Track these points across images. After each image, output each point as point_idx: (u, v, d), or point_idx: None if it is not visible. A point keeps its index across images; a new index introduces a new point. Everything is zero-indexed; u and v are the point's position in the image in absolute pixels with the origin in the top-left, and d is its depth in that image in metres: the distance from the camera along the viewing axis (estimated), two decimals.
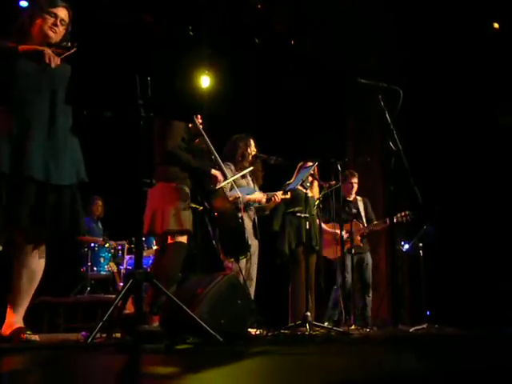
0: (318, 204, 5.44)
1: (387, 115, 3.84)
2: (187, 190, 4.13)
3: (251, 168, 4.87)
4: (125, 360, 2.33)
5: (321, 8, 7.61)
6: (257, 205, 4.98)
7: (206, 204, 4.27)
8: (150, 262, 5.82)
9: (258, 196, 4.97)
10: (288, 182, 5.41)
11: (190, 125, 4.21)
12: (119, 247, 6.75)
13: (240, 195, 4.62)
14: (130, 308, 3.12)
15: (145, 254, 5.89)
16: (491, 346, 3.26)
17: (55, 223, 3.03)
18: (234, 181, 4.64)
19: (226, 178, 4.51)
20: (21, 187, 2.93)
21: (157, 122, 4.16)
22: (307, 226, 4.89)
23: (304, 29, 7.88)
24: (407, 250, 6.31)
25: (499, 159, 7.30)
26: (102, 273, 6.61)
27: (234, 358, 2.38)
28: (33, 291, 3.17)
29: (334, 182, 5.22)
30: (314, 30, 7.90)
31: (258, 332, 4.06)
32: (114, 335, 3.05)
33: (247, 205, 4.86)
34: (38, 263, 3.16)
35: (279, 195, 5.09)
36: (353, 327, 5.31)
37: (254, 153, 4.98)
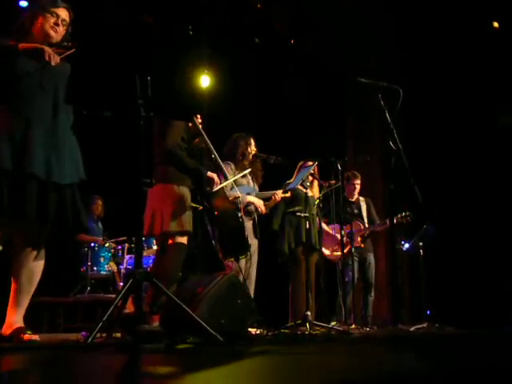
0: (318, 203, 5.44)
1: (387, 114, 3.84)
2: (187, 190, 4.12)
3: (249, 170, 4.87)
4: (125, 360, 2.33)
5: (321, 8, 7.61)
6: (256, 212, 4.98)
7: (205, 204, 4.27)
8: (150, 261, 5.82)
9: (258, 201, 4.96)
10: (288, 182, 5.41)
11: (190, 124, 4.21)
12: (119, 247, 6.75)
13: (240, 195, 4.62)
14: (130, 308, 3.12)
15: (145, 253, 5.89)
16: (491, 345, 3.26)
17: (59, 221, 3.03)
18: (234, 180, 4.64)
19: (225, 177, 4.51)
20: (23, 184, 2.94)
21: (156, 122, 4.16)
22: (307, 226, 4.89)
23: (304, 29, 7.88)
24: (407, 249, 6.32)
25: (499, 159, 7.30)
26: (102, 272, 6.60)
27: (234, 358, 2.38)
28: (32, 291, 3.18)
29: (333, 182, 5.23)
30: (314, 30, 7.90)
31: (258, 332, 4.06)
32: (114, 335, 3.05)
33: (246, 205, 4.86)
34: (36, 264, 3.16)
35: (279, 194, 5.09)
36: (353, 326, 5.31)
37: (254, 152, 4.98)
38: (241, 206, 4.60)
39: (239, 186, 4.78)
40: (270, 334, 4.05)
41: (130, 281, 2.87)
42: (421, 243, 5.98)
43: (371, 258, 6.35)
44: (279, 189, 5.18)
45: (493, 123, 7.50)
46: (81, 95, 3.18)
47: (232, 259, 4.51)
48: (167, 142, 4.05)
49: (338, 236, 5.58)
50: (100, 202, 7.09)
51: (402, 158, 3.76)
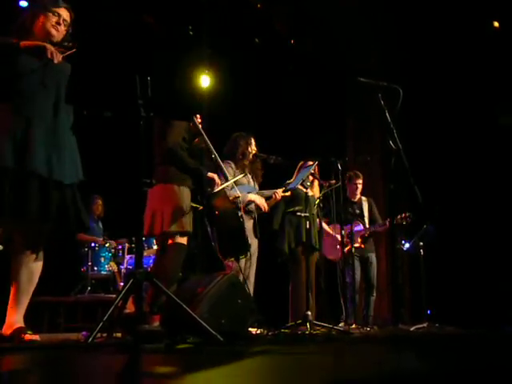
0: (319, 203, 5.44)
1: (387, 114, 3.84)
2: (188, 190, 4.12)
3: (244, 175, 4.85)
4: (125, 360, 2.33)
5: (321, 8, 7.61)
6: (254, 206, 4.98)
7: (205, 204, 4.27)
8: (151, 261, 5.82)
9: (259, 199, 4.97)
10: (288, 182, 5.41)
11: (190, 124, 4.21)
12: (119, 247, 6.75)
13: (240, 195, 4.62)
14: (130, 308, 3.12)
15: (145, 253, 5.89)
16: (491, 345, 3.26)
17: (60, 220, 3.04)
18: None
19: (226, 178, 4.51)
20: (24, 182, 2.94)
21: (157, 122, 4.16)
22: (307, 226, 4.89)
23: (304, 29, 7.88)
24: (407, 249, 6.32)
25: (499, 159, 7.30)
26: (102, 272, 6.61)
27: (235, 358, 2.38)
28: (32, 290, 3.18)
29: (334, 181, 5.23)
30: (314, 30, 7.90)
31: (258, 331, 4.06)
32: (114, 335, 3.05)
33: (249, 203, 4.87)
34: (36, 264, 3.16)
35: (279, 192, 5.09)
36: (353, 326, 5.31)
37: (254, 152, 4.98)
38: (241, 206, 4.60)
39: (240, 185, 4.79)
40: (270, 333, 4.05)
41: (131, 281, 2.87)
42: (421, 243, 5.99)
43: (373, 258, 6.34)
44: (279, 189, 5.19)
45: (493, 123, 7.50)
46: (81, 95, 3.19)
47: (232, 259, 4.51)
48: (168, 141, 4.05)
49: (339, 236, 5.59)
50: (100, 202, 7.09)
51: (402, 158, 3.76)
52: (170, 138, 4.06)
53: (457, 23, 7.17)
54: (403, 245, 6.39)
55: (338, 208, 5.30)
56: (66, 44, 3.16)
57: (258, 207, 5.01)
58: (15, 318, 3.09)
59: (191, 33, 6.81)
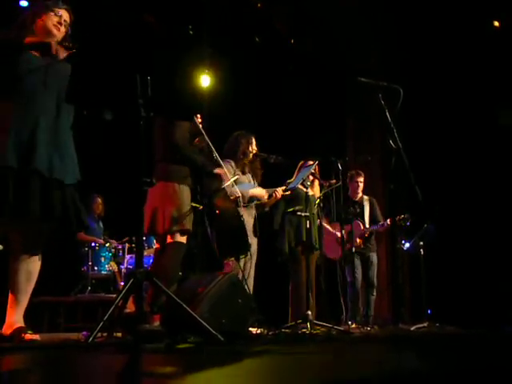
0: (319, 203, 5.44)
1: (387, 114, 3.83)
2: (188, 189, 4.13)
3: (236, 177, 4.84)
4: (125, 359, 2.33)
5: (321, 8, 7.61)
6: (257, 201, 4.98)
7: (205, 203, 4.27)
8: (151, 261, 5.82)
9: (261, 192, 4.98)
10: (289, 181, 5.40)
11: (191, 124, 4.22)
12: (119, 246, 6.75)
13: (240, 194, 4.63)
14: (130, 307, 3.12)
15: (145, 253, 5.89)
16: (492, 345, 3.26)
17: (62, 219, 3.04)
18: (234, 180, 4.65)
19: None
20: (27, 181, 2.95)
21: (158, 121, 4.18)
22: (307, 225, 4.89)
23: (304, 29, 7.88)
24: (408, 248, 6.32)
25: (499, 159, 7.30)
26: (102, 272, 6.61)
27: (235, 358, 2.38)
28: (31, 290, 3.18)
29: (334, 181, 5.22)
30: (314, 30, 7.90)
31: (258, 331, 4.06)
32: (114, 335, 3.05)
33: (250, 200, 4.87)
34: (34, 264, 3.17)
35: (280, 191, 5.09)
36: (353, 326, 5.32)
37: (254, 151, 4.98)
38: (241, 205, 4.61)
39: (241, 183, 4.79)
40: (270, 333, 4.05)
41: (131, 280, 2.87)
42: (421, 243, 5.99)
43: (374, 257, 6.33)
44: (279, 187, 5.18)
45: (493, 123, 7.50)
46: (81, 95, 3.19)
47: (232, 258, 4.51)
48: (177, 138, 4.07)
49: (339, 234, 5.59)
50: (100, 201, 7.08)
51: (402, 158, 3.76)
52: (178, 135, 4.08)
53: (457, 23, 7.17)
54: (403, 244, 6.38)
55: (338, 208, 5.30)
56: (66, 44, 3.17)
57: (257, 206, 5.01)
58: (15, 318, 3.09)
59: (191, 32, 6.81)
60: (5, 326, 3.09)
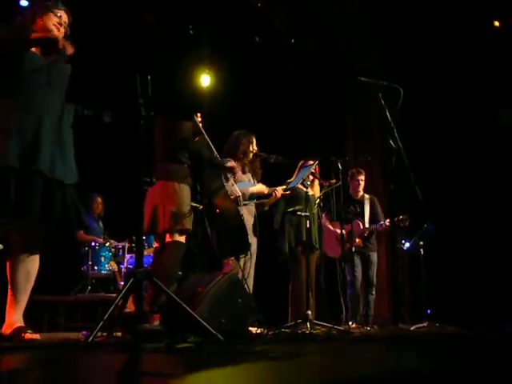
0: (319, 203, 5.44)
1: (387, 113, 3.83)
2: (188, 188, 4.13)
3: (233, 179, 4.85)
4: (125, 359, 2.33)
5: (321, 8, 7.61)
6: (257, 200, 4.98)
7: (206, 202, 4.28)
8: (151, 260, 5.82)
9: (260, 188, 4.98)
10: (289, 181, 5.41)
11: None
12: (119, 246, 6.75)
13: (240, 194, 4.63)
14: (130, 307, 3.12)
15: (145, 253, 5.89)
16: (492, 345, 3.26)
17: (62, 219, 3.05)
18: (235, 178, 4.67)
19: (226, 177, 4.51)
20: (29, 181, 2.95)
21: (159, 120, 4.19)
22: (307, 225, 4.89)
23: (304, 29, 7.88)
24: (408, 248, 6.31)
25: (499, 159, 7.30)
26: (102, 272, 6.60)
27: (235, 357, 2.38)
28: (30, 289, 3.18)
29: (334, 181, 5.22)
30: (314, 30, 7.90)
31: (258, 331, 4.06)
32: (114, 334, 3.05)
33: (250, 198, 4.87)
34: (32, 262, 3.17)
35: (280, 190, 5.09)
36: (353, 326, 5.32)
37: (255, 151, 4.97)
38: (241, 204, 4.61)
39: (241, 182, 4.79)
40: (270, 333, 4.05)
41: (131, 280, 2.87)
42: (421, 242, 5.98)
43: (374, 257, 6.31)
44: (279, 187, 5.19)
45: (493, 123, 7.50)
46: (81, 95, 3.20)
47: (232, 258, 4.51)
48: (184, 134, 4.11)
49: (338, 231, 5.59)
50: (100, 200, 7.08)
51: (402, 158, 3.76)
52: (185, 131, 4.13)
53: (457, 23, 7.17)
54: (403, 244, 6.38)
55: (338, 207, 5.30)
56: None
57: (257, 205, 5.02)
58: (15, 318, 3.09)
59: (191, 32, 6.81)
60: (5, 326, 3.09)
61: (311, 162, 5.22)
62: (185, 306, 2.94)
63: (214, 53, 6.89)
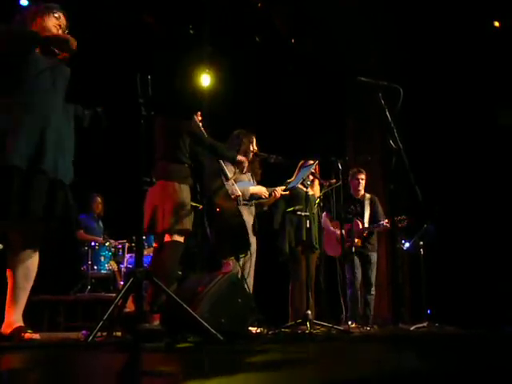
0: (319, 202, 5.44)
1: (387, 113, 3.83)
2: (188, 188, 4.13)
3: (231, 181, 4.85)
4: (125, 359, 2.33)
5: (321, 8, 7.61)
6: (256, 200, 4.98)
7: (206, 202, 4.28)
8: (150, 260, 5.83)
9: (260, 189, 4.98)
10: (289, 181, 5.41)
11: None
12: (119, 246, 6.75)
13: (240, 193, 4.63)
14: (130, 307, 3.12)
15: (145, 252, 5.89)
16: (492, 345, 3.26)
17: (63, 219, 3.05)
18: (235, 178, 4.67)
19: (226, 177, 4.52)
20: (34, 181, 2.96)
21: (160, 120, 4.19)
22: (307, 225, 4.89)
23: (304, 29, 7.88)
24: (408, 248, 6.31)
25: (499, 159, 7.30)
26: (102, 271, 6.61)
27: (235, 357, 2.38)
28: (29, 288, 3.18)
29: (334, 181, 5.22)
30: (314, 30, 7.90)
31: (258, 330, 4.07)
32: (114, 334, 3.05)
33: (250, 198, 4.87)
34: (32, 261, 3.17)
35: (279, 191, 5.09)
36: (353, 326, 5.32)
37: (255, 150, 4.97)
38: (241, 204, 4.61)
39: (241, 181, 4.79)
40: (270, 333, 4.06)
41: (131, 280, 2.87)
42: (421, 242, 5.98)
43: (374, 257, 6.30)
44: (279, 187, 5.19)
45: (493, 123, 7.50)
46: (81, 95, 3.20)
47: (232, 258, 4.51)
48: (194, 129, 4.14)
49: (338, 231, 5.59)
50: (100, 200, 7.09)
51: (402, 158, 3.75)
52: (194, 126, 4.14)
53: (457, 23, 7.17)
54: (403, 244, 6.38)
55: (338, 207, 5.29)
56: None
57: (256, 204, 5.02)
58: (14, 317, 3.09)
59: (192, 32, 6.81)
60: (4, 325, 3.09)
61: (311, 162, 5.22)
62: (185, 305, 2.94)
63: (214, 53, 6.88)
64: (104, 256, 6.63)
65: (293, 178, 5.36)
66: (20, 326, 3.06)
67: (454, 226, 7.03)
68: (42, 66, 3.09)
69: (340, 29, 8.01)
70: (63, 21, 3.30)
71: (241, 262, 4.61)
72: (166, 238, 4.08)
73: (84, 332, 3.00)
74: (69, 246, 6.40)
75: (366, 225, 6.23)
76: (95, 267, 6.56)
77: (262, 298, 4.61)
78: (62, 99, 3.15)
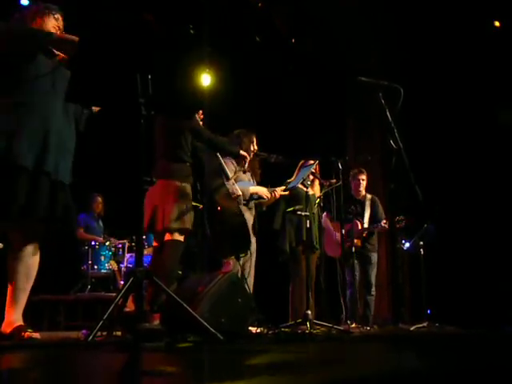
0: (319, 202, 5.44)
1: (387, 113, 3.83)
2: (189, 187, 4.14)
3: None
4: (125, 358, 2.33)
5: (321, 8, 7.61)
6: (255, 200, 4.98)
7: (206, 201, 4.28)
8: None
9: (261, 189, 4.98)
10: (289, 181, 5.40)
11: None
12: (119, 245, 6.75)
13: (241, 193, 4.63)
14: (130, 306, 3.12)
15: (145, 252, 5.89)
16: (492, 345, 3.26)
17: (64, 219, 3.06)
18: (235, 177, 4.67)
19: (227, 176, 4.52)
20: (37, 182, 2.97)
21: (160, 120, 4.20)
22: (307, 225, 4.89)
23: (304, 29, 7.87)
24: (408, 248, 6.31)
25: (499, 158, 7.30)
26: (102, 271, 6.61)
27: (235, 357, 2.38)
28: (29, 287, 3.19)
29: (334, 181, 5.22)
30: (314, 30, 7.90)
31: (258, 330, 4.07)
32: (114, 333, 3.05)
33: (250, 198, 4.87)
34: (33, 261, 3.18)
35: (279, 191, 5.09)
36: (353, 326, 5.32)
37: (255, 150, 4.97)
38: (242, 203, 4.61)
39: (241, 181, 4.79)
40: (270, 332, 4.05)
41: (131, 279, 2.87)
42: (421, 242, 5.98)
43: (374, 257, 6.30)
44: (279, 187, 5.19)
45: (493, 122, 7.50)
46: (81, 95, 3.20)
47: (232, 257, 4.51)
48: (196, 126, 4.15)
49: (338, 234, 5.59)
50: (100, 200, 7.09)
51: (402, 158, 3.75)
52: (195, 123, 4.16)
53: (457, 23, 7.17)
54: (403, 244, 6.38)
55: (339, 207, 5.29)
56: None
57: (258, 204, 5.02)
58: (14, 316, 3.09)
59: (192, 32, 6.81)
60: (4, 324, 3.09)
61: (311, 162, 5.22)
62: (185, 305, 2.94)
63: (214, 52, 6.88)
64: (104, 255, 6.63)
65: (293, 178, 5.36)
66: (20, 325, 3.06)
67: (454, 226, 7.03)
68: (43, 67, 3.09)
69: (340, 29, 8.01)
70: (61, 22, 3.32)
71: (241, 262, 4.61)
72: (167, 236, 4.08)
73: (84, 331, 2.99)
74: (69, 245, 6.40)
75: (366, 225, 6.23)
76: (95, 267, 6.56)
77: (262, 297, 4.61)
78: (62, 101, 3.16)
